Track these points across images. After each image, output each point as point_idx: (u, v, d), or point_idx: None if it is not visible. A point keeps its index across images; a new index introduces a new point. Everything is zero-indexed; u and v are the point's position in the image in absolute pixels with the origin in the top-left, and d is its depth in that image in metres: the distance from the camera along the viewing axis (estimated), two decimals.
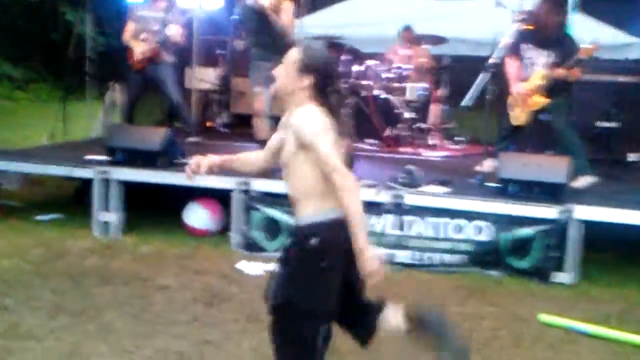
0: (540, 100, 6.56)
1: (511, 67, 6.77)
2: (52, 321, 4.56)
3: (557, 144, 6.77)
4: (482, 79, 7.44)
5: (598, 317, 4.88)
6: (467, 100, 7.48)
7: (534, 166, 5.95)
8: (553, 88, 6.50)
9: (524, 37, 6.78)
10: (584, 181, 6.34)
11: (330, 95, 3.12)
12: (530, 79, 6.61)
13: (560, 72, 6.40)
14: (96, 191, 6.46)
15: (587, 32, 7.61)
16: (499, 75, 7.09)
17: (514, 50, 6.77)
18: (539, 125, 6.94)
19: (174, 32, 7.96)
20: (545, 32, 6.55)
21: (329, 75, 3.17)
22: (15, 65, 20.22)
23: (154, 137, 6.70)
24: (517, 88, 6.67)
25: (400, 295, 5.24)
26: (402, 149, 8.64)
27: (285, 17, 6.62)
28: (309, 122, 3.03)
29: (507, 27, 7.47)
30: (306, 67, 3.11)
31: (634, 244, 6.21)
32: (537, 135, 7.35)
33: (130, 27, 8.07)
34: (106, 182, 6.46)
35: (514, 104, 6.74)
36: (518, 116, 6.73)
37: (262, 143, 6.51)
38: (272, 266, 5.64)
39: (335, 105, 3.13)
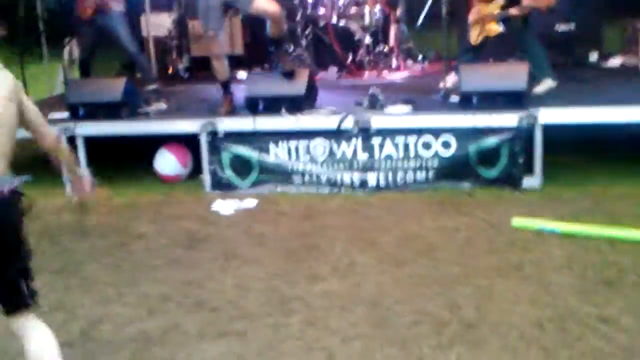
0: (496, 29, 6.46)
1: None
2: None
3: (519, 50, 6.74)
4: None
5: (567, 216, 5.01)
6: (420, 21, 7.40)
7: (494, 75, 6.00)
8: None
9: None
10: (545, 85, 6.37)
11: None
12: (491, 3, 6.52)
13: (515, 12, 6.30)
14: None
15: None
16: None
17: None
18: (499, 35, 6.90)
19: None
20: None
21: None
22: None
23: (113, 88, 6.63)
24: (474, 11, 6.60)
25: (375, 217, 5.36)
26: (364, 74, 8.63)
27: None
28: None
29: None
30: None
31: (594, 143, 6.33)
32: (497, 45, 7.32)
33: None
34: (71, 138, 6.41)
35: (474, 23, 6.66)
36: (476, 37, 6.65)
37: (224, 85, 6.55)
38: (246, 203, 5.80)
39: None
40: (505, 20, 6.39)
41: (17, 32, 11.97)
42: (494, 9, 6.47)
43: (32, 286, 2.88)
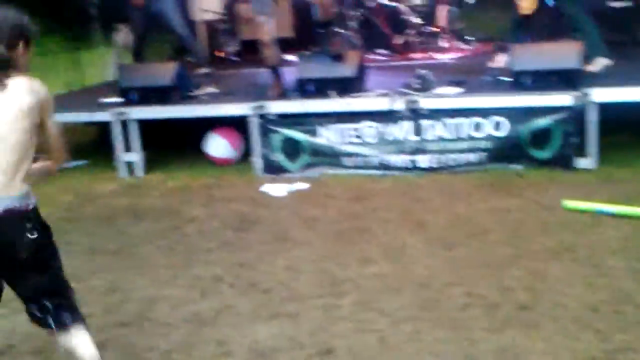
0: None
1: None
2: (90, 262, 4.70)
3: (570, 29, 6.62)
4: None
5: (622, 197, 4.91)
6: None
7: (546, 55, 5.89)
8: None
9: None
10: (599, 64, 6.25)
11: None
12: None
13: None
14: (116, 132, 6.55)
15: None
16: None
17: None
18: (550, 13, 6.79)
19: None
20: None
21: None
22: None
23: (164, 72, 6.73)
24: None
25: (426, 199, 5.34)
26: (413, 55, 8.58)
27: None
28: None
29: None
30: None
31: None
32: (549, 24, 7.20)
33: None
34: (124, 122, 6.53)
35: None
36: (526, 5, 6.52)
37: (274, 69, 6.59)
38: (297, 186, 5.83)
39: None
40: None
41: (71, 18, 12.17)
42: None
43: (59, 306, 2.85)
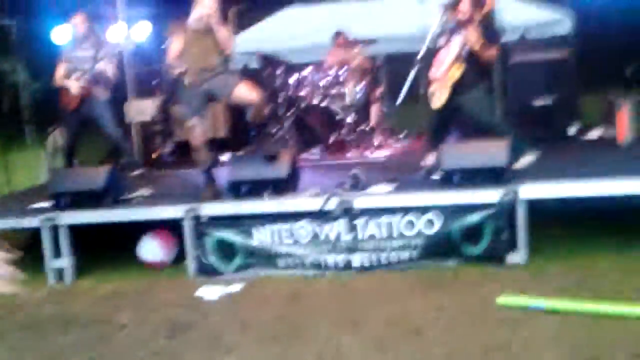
0: (457, 72, 6.53)
1: (437, 55, 6.78)
2: None
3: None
4: (413, 74, 7.40)
5: (554, 292, 4.97)
6: (399, 99, 7.50)
7: (474, 153, 6.04)
8: (471, 75, 6.52)
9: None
10: (525, 160, 6.42)
11: None
12: (447, 57, 6.61)
13: (473, 38, 6.37)
14: (45, 238, 6.39)
15: (513, 10, 7.81)
16: (429, 67, 7.07)
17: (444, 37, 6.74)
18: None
19: (105, 67, 7.94)
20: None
21: None
22: None
23: (96, 176, 6.64)
24: (433, 73, 6.70)
25: (361, 298, 5.31)
26: (347, 154, 8.70)
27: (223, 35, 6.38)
28: None
29: (433, 19, 7.52)
30: None
31: (579, 215, 6.31)
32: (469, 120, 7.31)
33: (60, 69, 8.05)
34: (54, 228, 6.39)
35: (434, 88, 6.71)
36: (438, 97, 6.65)
37: (206, 171, 6.58)
38: (231, 288, 5.74)
39: None
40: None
41: (2, 119, 12.05)
42: (452, 54, 6.53)
43: None
